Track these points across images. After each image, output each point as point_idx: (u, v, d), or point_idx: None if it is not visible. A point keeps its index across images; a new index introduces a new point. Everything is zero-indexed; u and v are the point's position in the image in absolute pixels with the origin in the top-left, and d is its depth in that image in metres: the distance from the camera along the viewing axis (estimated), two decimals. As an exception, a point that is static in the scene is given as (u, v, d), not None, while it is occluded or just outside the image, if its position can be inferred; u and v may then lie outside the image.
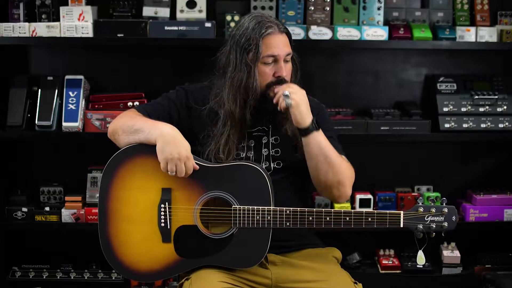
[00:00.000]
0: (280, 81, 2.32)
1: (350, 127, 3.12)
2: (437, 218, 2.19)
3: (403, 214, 2.19)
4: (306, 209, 2.22)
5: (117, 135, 2.34)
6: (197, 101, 2.41)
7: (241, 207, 2.22)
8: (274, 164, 2.37)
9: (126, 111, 2.44)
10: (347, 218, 2.21)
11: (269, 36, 2.29)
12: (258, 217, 2.21)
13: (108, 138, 2.41)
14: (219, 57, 2.40)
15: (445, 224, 2.19)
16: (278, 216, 2.21)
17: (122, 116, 2.39)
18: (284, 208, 2.22)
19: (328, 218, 2.21)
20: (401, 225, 2.20)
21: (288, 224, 2.21)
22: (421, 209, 2.20)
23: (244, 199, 2.22)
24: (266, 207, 2.21)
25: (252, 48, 2.29)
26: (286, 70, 2.33)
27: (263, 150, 2.36)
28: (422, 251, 2.24)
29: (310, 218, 2.22)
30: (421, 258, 2.25)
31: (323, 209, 2.22)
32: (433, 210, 2.19)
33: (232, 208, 2.22)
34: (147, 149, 2.25)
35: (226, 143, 2.32)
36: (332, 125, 2.53)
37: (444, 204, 2.21)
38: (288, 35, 2.37)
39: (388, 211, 2.20)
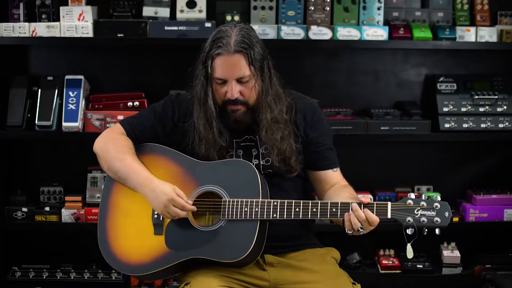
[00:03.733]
0: (232, 101, 2.27)
1: (350, 127, 3.12)
2: (428, 212, 2.12)
3: (391, 204, 2.13)
4: (293, 200, 2.22)
5: (101, 165, 2.38)
6: (184, 116, 2.40)
7: (230, 199, 2.23)
8: (264, 172, 2.36)
9: (111, 133, 2.42)
10: (333, 209, 2.18)
11: (218, 57, 2.23)
12: (246, 209, 2.21)
13: None
14: (195, 66, 2.38)
15: (437, 219, 2.10)
16: (265, 207, 2.20)
17: (107, 142, 2.38)
18: (272, 200, 2.22)
19: (314, 209, 2.20)
20: (389, 216, 2.12)
21: (275, 215, 2.20)
22: (410, 202, 2.13)
23: (234, 192, 2.24)
24: (254, 199, 2.22)
25: (206, 65, 2.27)
26: (238, 91, 2.25)
27: (253, 160, 2.35)
28: (411, 245, 2.18)
29: (297, 209, 2.20)
30: (409, 252, 2.18)
31: (310, 201, 2.21)
32: (424, 204, 2.12)
33: (222, 201, 2.24)
34: (148, 148, 2.34)
35: (207, 157, 2.33)
36: (331, 134, 2.49)
37: (437, 200, 2.14)
38: (247, 54, 2.23)
39: (375, 202, 2.15)
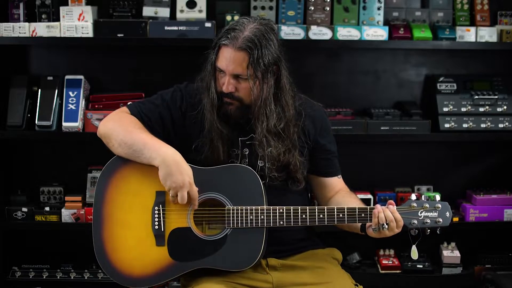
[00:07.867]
0: (226, 94, 2.23)
1: (350, 127, 3.12)
2: (431, 213, 2.19)
3: (396, 209, 2.18)
4: (300, 207, 2.21)
5: (111, 144, 2.29)
6: (192, 105, 2.35)
7: (234, 207, 2.20)
8: (269, 175, 2.34)
9: (118, 112, 2.38)
10: (340, 215, 2.20)
11: (223, 48, 2.21)
12: (251, 217, 2.19)
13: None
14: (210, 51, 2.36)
15: (440, 220, 2.19)
16: (271, 214, 2.20)
17: (115, 120, 2.32)
18: (277, 207, 2.21)
19: (321, 216, 2.21)
20: None
21: (281, 222, 2.20)
22: (414, 204, 2.20)
23: (237, 199, 2.21)
24: (259, 207, 2.20)
25: (214, 52, 2.26)
26: (233, 86, 2.22)
27: (258, 161, 2.32)
28: (416, 246, 2.23)
29: (304, 216, 2.21)
30: (414, 253, 2.24)
31: (316, 207, 2.22)
32: (427, 205, 2.19)
33: (226, 209, 2.21)
34: None
35: (213, 150, 2.28)
36: (334, 141, 2.49)
37: (437, 200, 2.21)
38: (251, 54, 2.16)
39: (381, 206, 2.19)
